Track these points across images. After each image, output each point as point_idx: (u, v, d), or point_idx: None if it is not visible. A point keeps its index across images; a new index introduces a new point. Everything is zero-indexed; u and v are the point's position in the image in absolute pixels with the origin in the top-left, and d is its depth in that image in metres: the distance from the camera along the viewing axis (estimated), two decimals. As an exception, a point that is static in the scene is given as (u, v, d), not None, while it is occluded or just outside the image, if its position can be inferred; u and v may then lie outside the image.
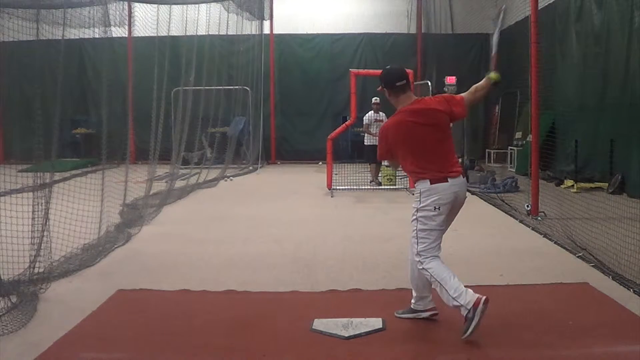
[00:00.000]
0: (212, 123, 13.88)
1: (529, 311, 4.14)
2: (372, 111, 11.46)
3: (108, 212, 6.61)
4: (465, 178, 3.87)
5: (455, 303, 3.55)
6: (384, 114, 11.46)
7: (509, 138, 14.88)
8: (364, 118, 11.49)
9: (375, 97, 11.44)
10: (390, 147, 3.87)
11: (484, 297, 3.49)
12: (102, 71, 10.35)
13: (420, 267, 3.72)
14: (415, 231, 3.75)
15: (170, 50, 10.43)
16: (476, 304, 3.47)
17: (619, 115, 9.57)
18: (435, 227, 3.72)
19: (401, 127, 3.81)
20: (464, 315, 3.52)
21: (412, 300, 4.00)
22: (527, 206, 7.81)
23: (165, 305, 4.43)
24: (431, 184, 3.70)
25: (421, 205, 3.72)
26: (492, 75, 4.00)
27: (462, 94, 3.98)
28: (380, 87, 3.97)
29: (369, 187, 11.20)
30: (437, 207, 3.69)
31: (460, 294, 3.53)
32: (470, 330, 3.48)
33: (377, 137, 11.19)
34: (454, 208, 3.79)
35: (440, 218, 3.71)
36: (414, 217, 3.77)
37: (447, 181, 3.70)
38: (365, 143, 11.64)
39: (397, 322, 3.94)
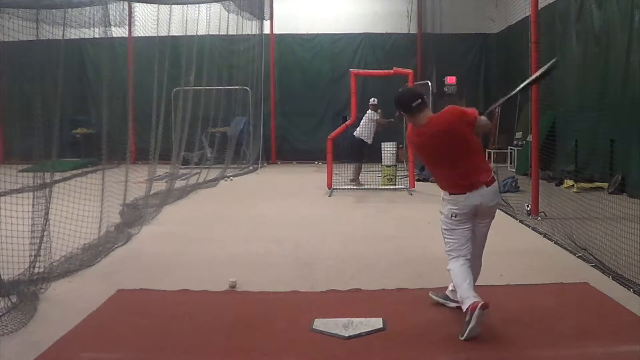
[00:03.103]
0: (212, 123, 13.87)
1: (529, 311, 4.14)
2: (370, 110, 11.48)
3: (108, 212, 6.61)
4: (489, 186, 3.82)
5: (462, 306, 3.66)
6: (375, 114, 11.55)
7: (509, 138, 14.88)
8: (370, 115, 11.49)
9: (373, 99, 11.53)
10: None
11: (481, 302, 3.52)
12: (102, 71, 10.35)
13: (448, 266, 3.88)
14: (442, 231, 3.95)
15: (171, 50, 10.43)
16: (472, 308, 3.52)
17: (619, 115, 9.56)
18: (455, 228, 3.85)
19: (416, 146, 3.99)
20: (465, 319, 3.58)
21: (449, 287, 4.14)
22: (527, 206, 7.82)
23: (165, 305, 4.42)
24: (449, 194, 3.86)
25: (442, 209, 3.94)
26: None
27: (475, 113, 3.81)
28: (397, 112, 3.98)
29: (368, 187, 11.18)
30: (452, 215, 3.85)
31: (464, 299, 3.64)
32: (466, 333, 3.54)
33: (368, 135, 11.31)
34: (478, 216, 3.89)
35: (456, 224, 3.84)
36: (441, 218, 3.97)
37: (465, 193, 3.78)
38: (355, 136, 11.54)
39: (397, 322, 3.94)
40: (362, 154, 11.43)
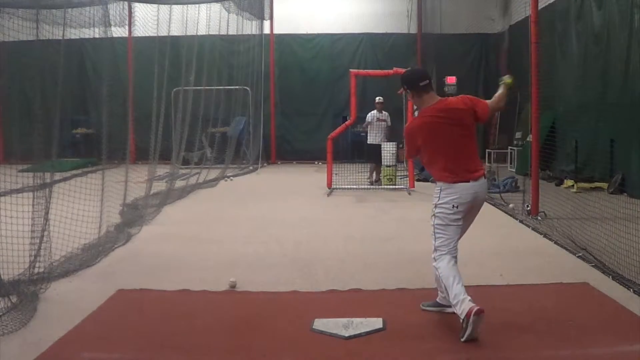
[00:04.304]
0: (212, 123, 13.89)
1: (529, 311, 4.14)
2: (376, 110, 11.47)
3: (108, 212, 6.61)
4: (486, 179, 3.95)
5: (455, 309, 3.63)
6: (386, 113, 11.51)
7: (509, 138, 14.88)
8: (367, 116, 11.51)
9: (379, 97, 11.48)
10: (417, 146, 3.93)
11: (477, 308, 3.47)
12: (102, 71, 10.35)
13: (433, 263, 3.83)
14: (433, 226, 3.86)
15: (171, 50, 10.42)
16: (468, 315, 3.48)
17: (619, 115, 9.56)
18: (451, 223, 3.80)
19: (425, 127, 3.87)
20: (460, 321, 3.56)
21: (439, 294, 4.04)
22: (527, 206, 7.81)
23: (165, 305, 4.42)
24: (453, 182, 3.77)
25: (440, 201, 3.83)
26: (507, 80, 4.06)
27: (487, 101, 3.99)
28: (401, 89, 4.01)
29: (369, 187, 11.20)
30: (455, 205, 3.77)
31: (458, 302, 3.58)
32: (464, 337, 3.52)
33: (378, 137, 11.31)
34: (473, 208, 3.88)
35: (457, 216, 3.79)
36: (432, 212, 3.88)
37: (469, 181, 3.77)
38: (368, 142, 11.62)
39: (397, 322, 3.94)
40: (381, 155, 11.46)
